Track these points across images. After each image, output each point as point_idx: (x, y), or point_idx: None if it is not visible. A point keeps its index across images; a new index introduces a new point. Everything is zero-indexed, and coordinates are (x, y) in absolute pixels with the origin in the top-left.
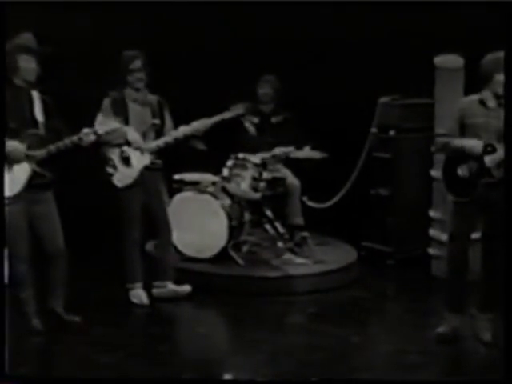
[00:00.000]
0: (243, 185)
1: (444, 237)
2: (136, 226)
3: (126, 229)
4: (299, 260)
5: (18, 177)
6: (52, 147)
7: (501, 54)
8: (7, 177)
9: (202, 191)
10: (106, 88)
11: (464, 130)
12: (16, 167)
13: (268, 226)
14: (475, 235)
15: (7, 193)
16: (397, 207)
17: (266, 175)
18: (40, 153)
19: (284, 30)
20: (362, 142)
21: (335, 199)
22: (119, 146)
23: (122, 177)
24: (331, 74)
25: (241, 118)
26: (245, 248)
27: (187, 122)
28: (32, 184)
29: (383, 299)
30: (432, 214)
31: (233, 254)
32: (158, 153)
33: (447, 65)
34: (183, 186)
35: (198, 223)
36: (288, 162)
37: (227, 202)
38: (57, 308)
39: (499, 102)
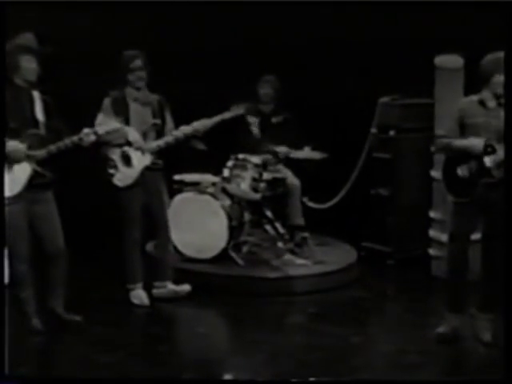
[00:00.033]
0: (243, 185)
1: (444, 237)
2: (136, 226)
3: (126, 229)
4: (299, 261)
5: (18, 177)
6: (52, 147)
7: (500, 55)
8: (7, 177)
9: (203, 192)
10: (106, 87)
11: (464, 130)
12: (16, 167)
13: (268, 227)
14: (475, 235)
15: (7, 193)
16: (397, 207)
17: (266, 176)
18: (40, 153)
19: (284, 30)
20: (362, 141)
21: (335, 200)
22: (120, 146)
23: (123, 177)
24: (331, 74)
25: (243, 118)
26: (245, 248)
27: (188, 122)
28: (32, 184)
29: (383, 299)
30: (432, 214)
31: (233, 254)
32: (158, 153)
33: (447, 65)
34: (183, 186)
35: (199, 224)
36: (288, 162)
37: (227, 202)
38: (57, 308)
39: (499, 102)
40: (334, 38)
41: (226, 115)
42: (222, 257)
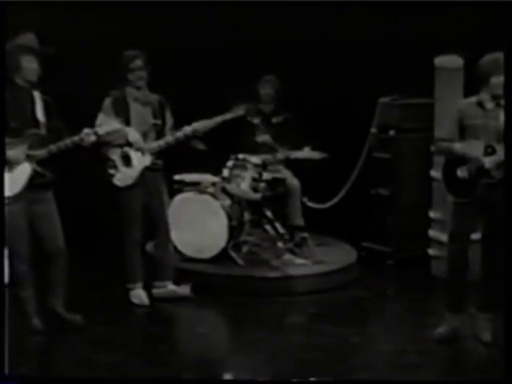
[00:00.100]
0: (243, 185)
1: (444, 237)
2: (136, 226)
3: (126, 229)
4: (299, 261)
5: (18, 176)
6: (53, 147)
7: (498, 56)
8: (7, 176)
9: (202, 192)
10: (106, 87)
11: (463, 131)
12: (16, 167)
13: (268, 227)
14: (475, 235)
15: (7, 192)
16: (397, 207)
17: (266, 176)
18: (41, 152)
19: (284, 30)
20: (362, 141)
21: (335, 200)
22: (120, 146)
23: (123, 177)
24: (331, 74)
25: (243, 118)
26: (245, 248)
27: (188, 122)
28: (32, 184)
29: (383, 299)
30: (432, 214)
31: (233, 254)
32: (158, 153)
33: (447, 65)
34: (183, 186)
35: (198, 223)
36: (288, 162)
37: (227, 202)
38: (57, 307)
39: (497, 103)
40: (334, 37)
41: (227, 116)
42: (222, 257)
